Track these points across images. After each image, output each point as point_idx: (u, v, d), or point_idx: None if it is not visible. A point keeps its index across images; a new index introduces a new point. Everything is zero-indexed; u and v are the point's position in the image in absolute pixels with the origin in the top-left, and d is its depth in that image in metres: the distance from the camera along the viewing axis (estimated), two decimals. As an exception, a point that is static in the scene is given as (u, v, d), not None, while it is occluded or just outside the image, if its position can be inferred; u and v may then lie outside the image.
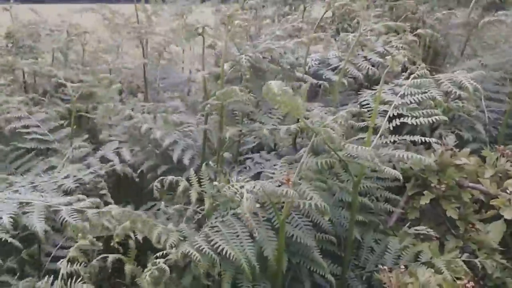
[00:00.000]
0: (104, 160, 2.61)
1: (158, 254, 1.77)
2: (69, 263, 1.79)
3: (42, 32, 3.60)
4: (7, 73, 3.19)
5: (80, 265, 1.79)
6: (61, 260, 1.82)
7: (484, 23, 3.10)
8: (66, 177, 2.22)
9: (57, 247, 2.33)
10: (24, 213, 1.85)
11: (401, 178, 1.91)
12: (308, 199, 1.70)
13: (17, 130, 2.75)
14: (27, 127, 2.77)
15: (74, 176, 2.25)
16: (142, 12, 3.68)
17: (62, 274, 1.78)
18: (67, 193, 2.22)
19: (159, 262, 1.74)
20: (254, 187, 1.54)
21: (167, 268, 1.73)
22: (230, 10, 2.00)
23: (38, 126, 2.80)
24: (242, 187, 1.54)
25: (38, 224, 1.79)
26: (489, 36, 3.51)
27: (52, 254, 2.31)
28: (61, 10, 3.78)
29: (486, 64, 3.07)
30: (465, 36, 3.50)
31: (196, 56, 3.17)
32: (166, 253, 1.76)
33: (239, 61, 2.00)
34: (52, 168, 2.54)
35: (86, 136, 2.86)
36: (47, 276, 1.86)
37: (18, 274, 2.18)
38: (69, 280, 1.77)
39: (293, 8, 4.25)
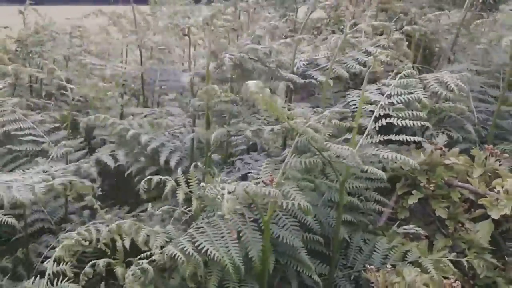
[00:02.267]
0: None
1: (142, 255, 1.78)
2: (55, 263, 1.79)
3: (49, 37, 3.63)
4: (11, 77, 3.22)
5: (66, 264, 1.80)
6: (48, 260, 1.83)
7: (476, 24, 3.13)
8: (37, 173, 2.19)
9: (49, 248, 2.33)
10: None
11: (385, 178, 1.92)
12: (291, 199, 1.71)
13: (12, 133, 2.75)
14: (22, 129, 2.76)
15: (45, 171, 2.23)
16: (138, 14, 3.71)
17: (49, 274, 1.79)
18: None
19: (142, 263, 1.74)
20: (235, 188, 1.55)
21: (150, 268, 1.73)
22: (213, 10, 2.01)
23: (34, 128, 2.79)
24: (223, 188, 1.55)
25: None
26: (483, 35, 3.52)
27: (44, 255, 2.32)
28: (69, 13, 3.80)
29: (475, 69, 3.10)
30: (454, 35, 3.51)
31: (193, 57, 3.17)
32: (150, 254, 1.77)
33: (223, 60, 2.02)
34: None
35: (82, 139, 2.87)
36: (36, 276, 1.89)
37: (9, 274, 2.21)
38: (56, 280, 1.79)
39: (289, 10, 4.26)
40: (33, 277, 1.85)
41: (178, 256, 1.71)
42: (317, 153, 1.86)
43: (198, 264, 1.75)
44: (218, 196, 1.54)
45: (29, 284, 1.86)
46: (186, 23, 2.16)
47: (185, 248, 1.75)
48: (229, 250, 1.79)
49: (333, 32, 4.14)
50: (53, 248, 2.29)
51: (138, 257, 1.79)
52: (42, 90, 3.49)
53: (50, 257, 2.21)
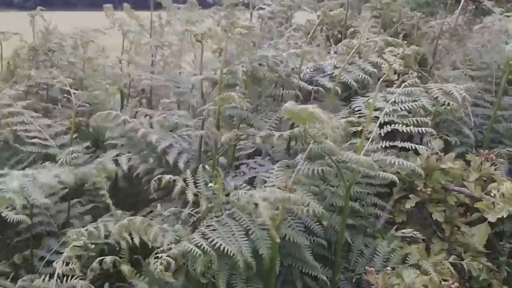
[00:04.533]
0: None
1: (158, 250, 1.81)
2: (64, 263, 1.81)
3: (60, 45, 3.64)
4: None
5: (75, 264, 1.82)
6: (57, 260, 1.84)
7: (476, 29, 3.20)
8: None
9: (51, 251, 2.33)
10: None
11: (398, 181, 2.01)
12: (305, 205, 1.74)
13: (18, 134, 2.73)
14: (28, 131, 2.74)
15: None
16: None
17: (58, 274, 1.82)
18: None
19: (162, 256, 1.77)
20: (266, 194, 1.57)
21: (172, 260, 1.77)
22: (233, 17, 2.05)
23: (40, 131, 2.77)
24: (252, 195, 1.58)
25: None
26: (476, 41, 3.58)
27: (46, 259, 2.31)
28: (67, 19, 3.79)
29: (470, 74, 3.16)
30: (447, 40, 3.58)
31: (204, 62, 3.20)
32: (168, 249, 1.80)
33: (236, 72, 2.06)
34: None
35: (88, 143, 2.84)
36: (43, 275, 1.90)
37: (10, 277, 2.19)
38: (64, 279, 1.82)
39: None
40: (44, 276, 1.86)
41: (194, 250, 1.75)
42: (328, 160, 1.90)
43: (213, 259, 1.79)
44: (252, 204, 1.55)
45: (38, 283, 1.88)
46: (200, 29, 2.19)
47: (200, 243, 1.79)
48: (240, 247, 1.83)
49: (327, 37, 4.18)
50: (56, 252, 2.33)
51: (155, 252, 1.82)
52: (47, 95, 3.47)
53: (53, 261, 2.25)
